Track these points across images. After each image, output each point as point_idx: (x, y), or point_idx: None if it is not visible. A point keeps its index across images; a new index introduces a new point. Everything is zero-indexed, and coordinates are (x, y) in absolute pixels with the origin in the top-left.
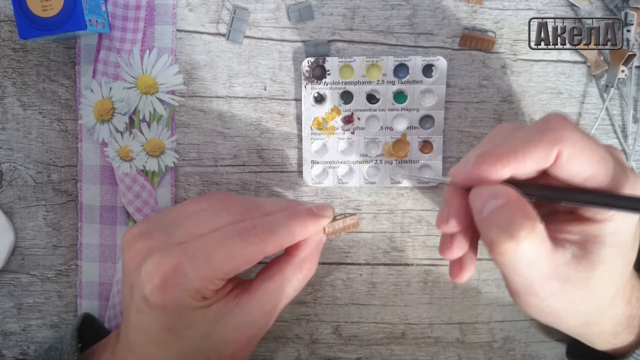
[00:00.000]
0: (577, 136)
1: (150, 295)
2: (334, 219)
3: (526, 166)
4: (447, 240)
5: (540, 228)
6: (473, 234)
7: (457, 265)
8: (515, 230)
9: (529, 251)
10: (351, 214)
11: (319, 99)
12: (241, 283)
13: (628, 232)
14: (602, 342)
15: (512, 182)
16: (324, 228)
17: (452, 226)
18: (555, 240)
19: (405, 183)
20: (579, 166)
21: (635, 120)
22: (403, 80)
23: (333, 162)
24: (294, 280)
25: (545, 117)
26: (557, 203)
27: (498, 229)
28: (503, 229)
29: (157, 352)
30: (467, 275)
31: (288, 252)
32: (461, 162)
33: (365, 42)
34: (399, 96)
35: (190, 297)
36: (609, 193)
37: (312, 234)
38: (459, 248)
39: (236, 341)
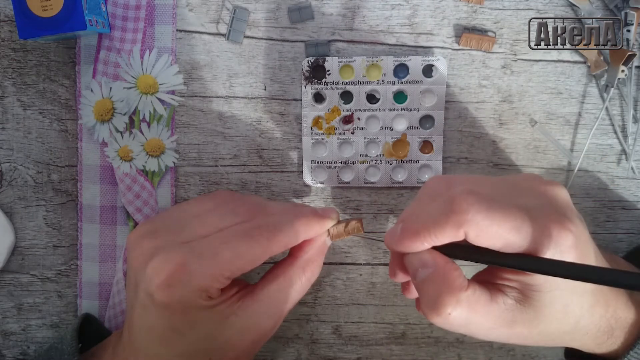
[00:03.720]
0: (481, 217)
1: (155, 293)
2: (339, 222)
3: (440, 242)
4: (404, 284)
5: (466, 297)
6: None
7: (406, 284)
8: (439, 307)
9: (458, 319)
10: (355, 218)
11: (319, 99)
12: (246, 286)
13: None
14: (588, 350)
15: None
16: (329, 230)
17: (401, 277)
18: (497, 286)
19: (405, 183)
20: (487, 241)
21: (635, 120)
22: (403, 80)
23: (333, 162)
24: (297, 282)
25: (452, 196)
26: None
27: (425, 304)
28: (429, 305)
29: (160, 350)
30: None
31: (292, 254)
32: (391, 229)
33: (365, 42)
34: (399, 96)
35: (195, 296)
36: (524, 257)
37: (316, 235)
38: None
39: (240, 344)
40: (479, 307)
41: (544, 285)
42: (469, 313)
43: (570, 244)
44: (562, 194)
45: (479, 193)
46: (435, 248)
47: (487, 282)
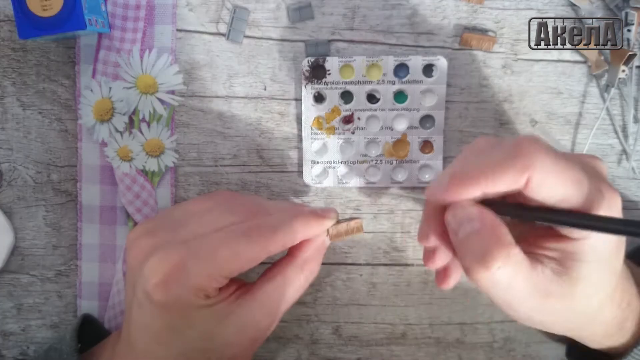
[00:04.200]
0: (548, 162)
1: (152, 292)
2: (338, 222)
3: (497, 189)
4: (429, 253)
5: (514, 254)
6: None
7: (442, 273)
8: (488, 261)
9: (504, 278)
10: (355, 218)
11: (319, 99)
12: (244, 285)
13: (607, 247)
14: (594, 343)
15: (487, 200)
16: (328, 230)
17: (433, 241)
18: (534, 256)
19: (406, 183)
20: (550, 190)
21: (635, 120)
22: (403, 80)
23: (333, 162)
24: (295, 280)
25: (518, 140)
26: (532, 222)
27: (472, 257)
28: (477, 258)
29: (157, 349)
30: (453, 281)
31: (290, 253)
32: (435, 181)
33: (366, 42)
34: (400, 96)
35: (192, 295)
36: (580, 214)
37: (315, 235)
38: (442, 259)
39: (238, 343)
40: (523, 270)
41: (584, 255)
42: (514, 273)
43: (620, 207)
44: (604, 169)
45: (543, 142)
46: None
47: (526, 249)
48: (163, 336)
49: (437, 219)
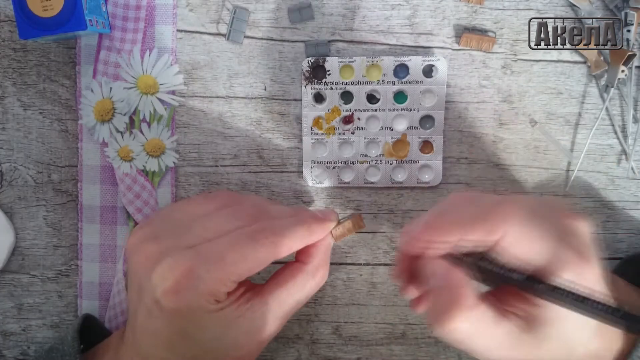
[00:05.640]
0: (519, 228)
1: (162, 299)
2: (339, 222)
3: (466, 243)
4: (403, 285)
5: (474, 314)
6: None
7: (414, 301)
8: (445, 320)
9: (463, 334)
10: (354, 214)
11: (319, 99)
12: (253, 287)
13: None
14: None
15: (457, 254)
16: (332, 232)
17: (403, 282)
18: (502, 311)
19: (405, 183)
20: (517, 253)
21: (635, 120)
22: (403, 80)
23: (333, 162)
24: (306, 287)
25: (497, 201)
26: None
27: (433, 314)
28: (437, 316)
29: (166, 355)
30: (425, 308)
31: (299, 259)
32: (409, 226)
33: (366, 42)
34: (399, 96)
35: (203, 300)
36: (535, 280)
37: (319, 238)
38: (413, 292)
39: (246, 345)
40: (484, 328)
41: (550, 319)
42: (472, 331)
43: (591, 275)
44: (586, 229)
45: (521, 205)
46: (449, 259)
47: (494, 304)
48: (173, 342)
49: (407, 264)
